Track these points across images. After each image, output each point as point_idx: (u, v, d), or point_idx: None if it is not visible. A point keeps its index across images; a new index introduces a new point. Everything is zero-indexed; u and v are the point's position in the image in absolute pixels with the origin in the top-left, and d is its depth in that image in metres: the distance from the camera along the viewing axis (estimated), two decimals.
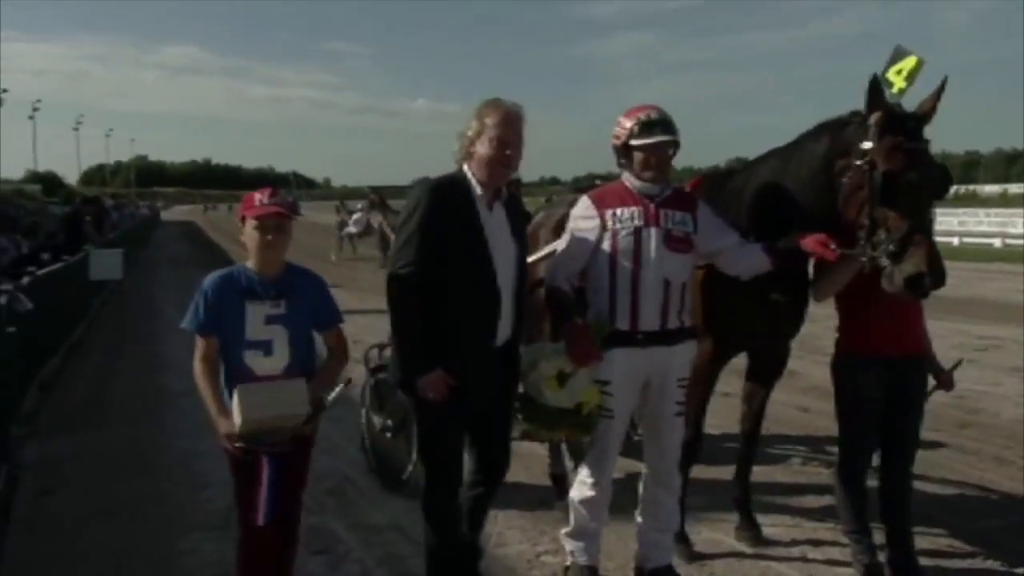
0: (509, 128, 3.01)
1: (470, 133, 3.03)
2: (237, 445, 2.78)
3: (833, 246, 3.14)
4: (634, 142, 3.26)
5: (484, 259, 3.02)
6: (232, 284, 2.89)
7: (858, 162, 3.09)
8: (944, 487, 4.66)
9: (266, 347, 2.86)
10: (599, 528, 3.50)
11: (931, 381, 3.59)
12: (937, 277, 2.95)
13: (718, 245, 3.37)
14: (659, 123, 3.25)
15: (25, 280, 7.15)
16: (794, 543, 4.00)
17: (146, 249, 27.30)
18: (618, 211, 3.28)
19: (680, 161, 3.49)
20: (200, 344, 2.89)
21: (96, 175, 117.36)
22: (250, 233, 2.87)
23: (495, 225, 3.07)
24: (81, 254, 11.34)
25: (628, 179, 3.36)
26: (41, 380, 7.51)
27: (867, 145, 3.06)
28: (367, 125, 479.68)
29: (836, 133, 3.26)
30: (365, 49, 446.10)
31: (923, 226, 2.99)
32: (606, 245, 3.28)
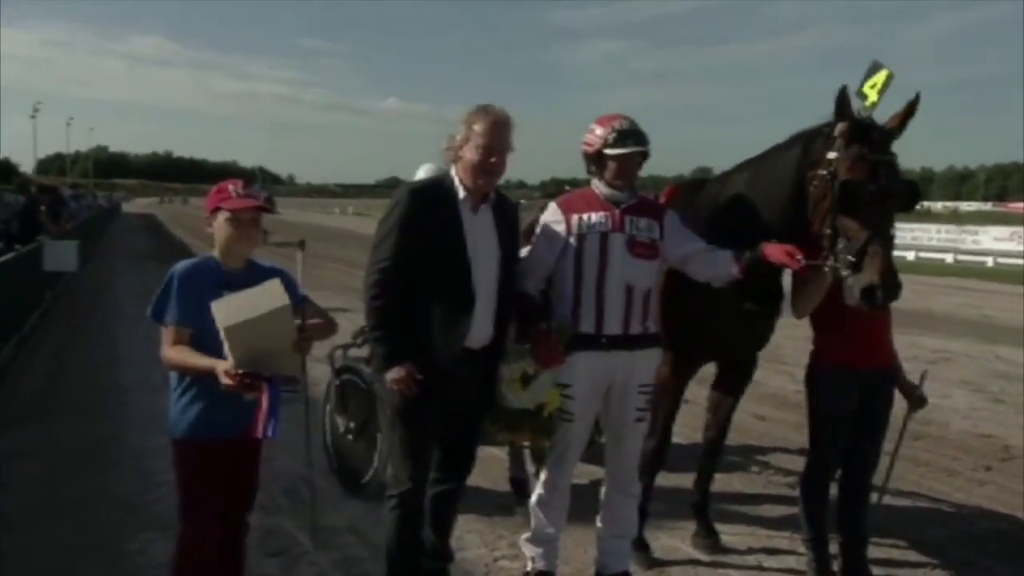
0: (495, 135, 3.03)
1: (458, 137, 3.06)
2: (240, 372, 2.58)
3: (799, 256, 3.12)
4: (609, 151, 3.27)
5: (461, 261, 3.02)
6: (206, 274, 2.78)
7: (823, 172, 3.11)
8: (896, 498, 4.75)
9: None
10: (557, 533, 3.50)
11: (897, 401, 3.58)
12: (889, 290, 2.93)
13: (685, 251, 3.35)
14: (632, 134, 3.27)
15: None
16: (750, 551, 4.04)
17: (103, 240, 26.71)
18: (585, 216, 3.30)
19: (645, 169, 3.49)
20: (170, 335, 2.73)
21: (53, 164, 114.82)
22: (222, 225, 2.78)
23: (479, 228, 3.09)
24: (35, 244, 11.05)
25: (597, 186, 3.37)
26: None
27: (832, 155, 3.08)
28: (336, 122, 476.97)
29: (808, 144, 3.26)
30: (337, 46, 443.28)
31: (881, 237, 2.98)
32: (572, 250, 3.28)
